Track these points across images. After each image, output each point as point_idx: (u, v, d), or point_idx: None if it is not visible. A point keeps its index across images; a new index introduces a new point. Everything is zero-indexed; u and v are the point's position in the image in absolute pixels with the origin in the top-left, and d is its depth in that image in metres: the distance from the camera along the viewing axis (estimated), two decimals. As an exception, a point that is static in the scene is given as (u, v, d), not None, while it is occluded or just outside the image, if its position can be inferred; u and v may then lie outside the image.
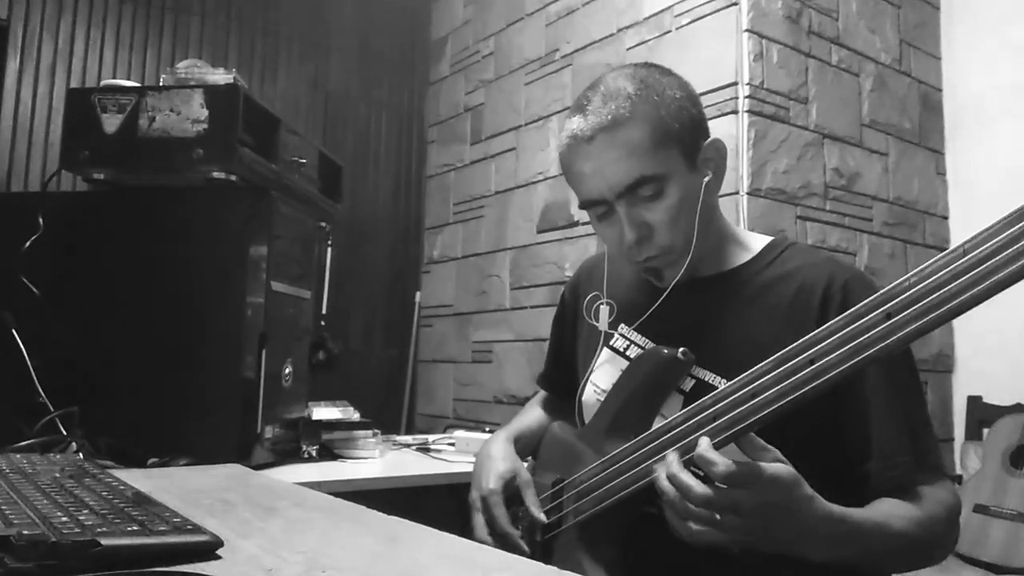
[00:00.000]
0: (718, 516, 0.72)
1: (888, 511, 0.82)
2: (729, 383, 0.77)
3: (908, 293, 0.65)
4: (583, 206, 0.96)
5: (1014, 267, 0.58)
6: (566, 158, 0.95)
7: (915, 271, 0.65)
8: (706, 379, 0.91)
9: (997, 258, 0.59)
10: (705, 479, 0.74)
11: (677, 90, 0.94)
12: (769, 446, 0.75)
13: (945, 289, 0.62)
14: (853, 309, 0.69)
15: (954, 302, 0.62)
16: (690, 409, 0.80)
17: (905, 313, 0.65)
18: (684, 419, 0.80)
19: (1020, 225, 0.58)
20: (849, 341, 0.69)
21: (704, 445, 0.74)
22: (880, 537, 0.79)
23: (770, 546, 0.75)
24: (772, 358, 0.74)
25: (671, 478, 0.75)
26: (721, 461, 0.71)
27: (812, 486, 0.76)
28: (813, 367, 0.70)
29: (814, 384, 0.70)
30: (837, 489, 0.84)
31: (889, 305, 0.66)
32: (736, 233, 1.03)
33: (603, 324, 1.06)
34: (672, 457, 0.77)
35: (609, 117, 0.89)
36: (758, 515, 0.72)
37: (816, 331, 0.71)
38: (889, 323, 0.66)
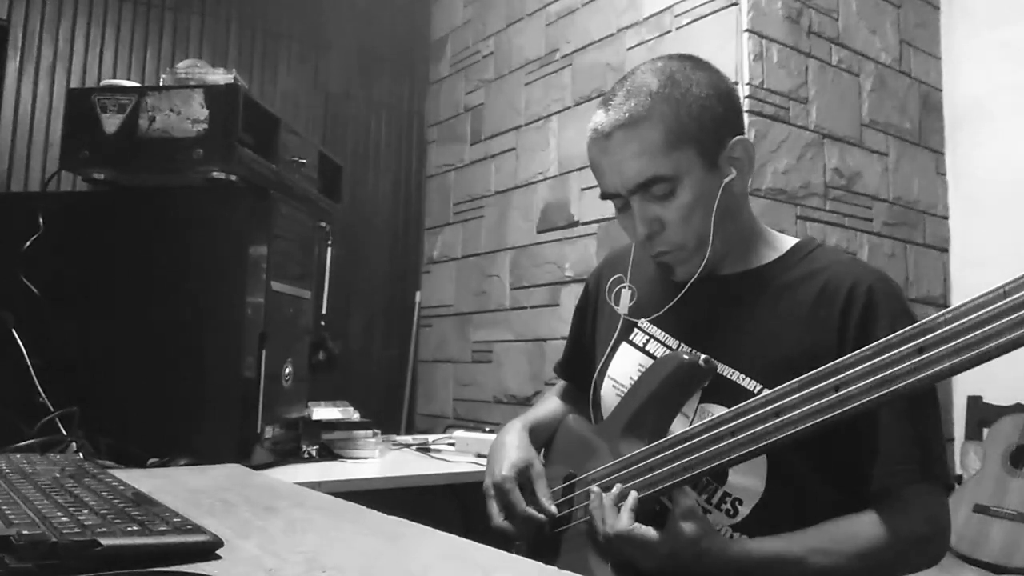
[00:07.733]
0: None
1: (824, 544, 0.83)
2: (751, 399, 0.78)
3: (943, 330, 0.63)
4: (603, 197, 0.99)
5: None
6: (589, 150, 0.97)
7: (950, 308, 0.63)
8: (725, 374, 0.91)
9: None
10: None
11: (705, 87, 0.92)
12: (690, 494, 0.82)
13: (982, 330, 0.61)
14: (885, 339, 0.68)
15: (991, 344, 0.60)
16: (709, 422, 0.80)
17: (939, 350, 0.63)
18: (702, 430, 0.81)
19: None
20: (877, 372, 0.67)
21: (609, 496, 0.85)
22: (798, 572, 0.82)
23: None
24: (799, 379, 0.73)
25: (593, 510, 0.86)
26: (609, 521, 0.83)
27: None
28: (838, 394, 0.70)
29: (836, 412, 0.70)
30: (843, 487, 0.88)
31: (922, 340, 0.64)
32: (765, 233, 1.03)
33: (623, 308, 1.06)
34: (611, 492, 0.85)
35: (627, 115, 0.90)
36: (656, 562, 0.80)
37: (845, 357, 0.70)
38: (921, 358, 0.64)
